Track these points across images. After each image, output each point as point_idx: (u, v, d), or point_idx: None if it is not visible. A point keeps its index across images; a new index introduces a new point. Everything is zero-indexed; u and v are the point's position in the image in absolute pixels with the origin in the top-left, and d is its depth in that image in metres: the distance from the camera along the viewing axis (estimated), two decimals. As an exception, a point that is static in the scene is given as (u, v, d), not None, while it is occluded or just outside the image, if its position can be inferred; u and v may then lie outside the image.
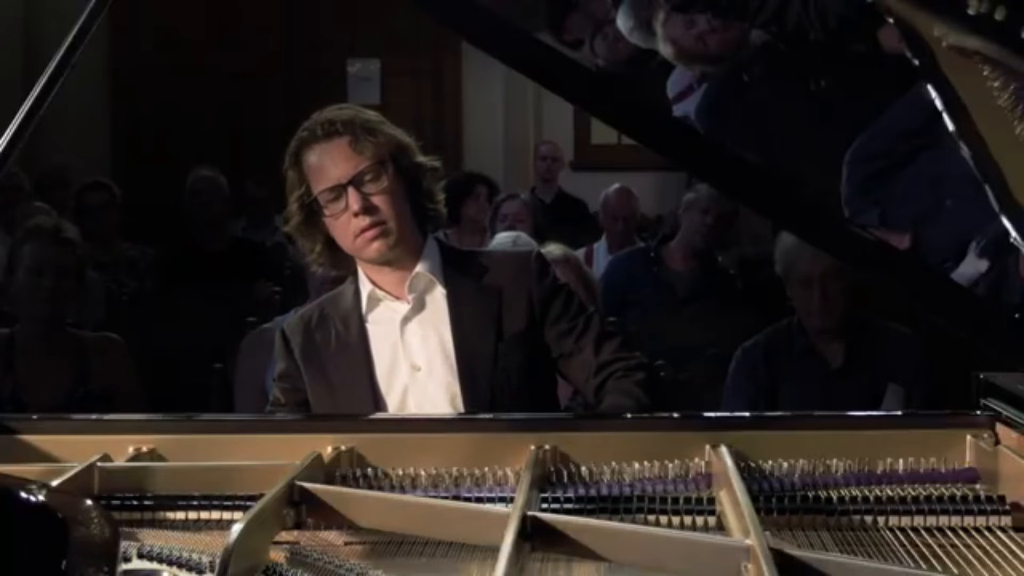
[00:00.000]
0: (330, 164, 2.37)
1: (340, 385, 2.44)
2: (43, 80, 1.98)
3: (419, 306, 2.45)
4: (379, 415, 2.32)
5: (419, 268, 2.44)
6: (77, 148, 7.52)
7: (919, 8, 1.76)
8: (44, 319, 3.60)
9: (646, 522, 1.77)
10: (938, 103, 1.78)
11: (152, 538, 1.69)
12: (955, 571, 1.62)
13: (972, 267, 3.23)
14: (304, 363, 2.46)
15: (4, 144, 1.95)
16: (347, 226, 2.38)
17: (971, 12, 1.70)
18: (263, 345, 3.58)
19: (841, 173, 3.69)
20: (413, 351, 2.43)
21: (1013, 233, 1.77)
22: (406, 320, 2.44)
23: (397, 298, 2.46)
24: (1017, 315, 1.86)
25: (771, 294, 4.57)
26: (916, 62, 1.78)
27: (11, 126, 1.96)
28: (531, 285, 2.46)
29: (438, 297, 2.45)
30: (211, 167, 6.28)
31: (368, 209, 2.35)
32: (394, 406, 2.41)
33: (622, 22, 4.78)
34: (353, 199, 2.35)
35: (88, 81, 7.47)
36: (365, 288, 2.47)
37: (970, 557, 1.66)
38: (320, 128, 2.38)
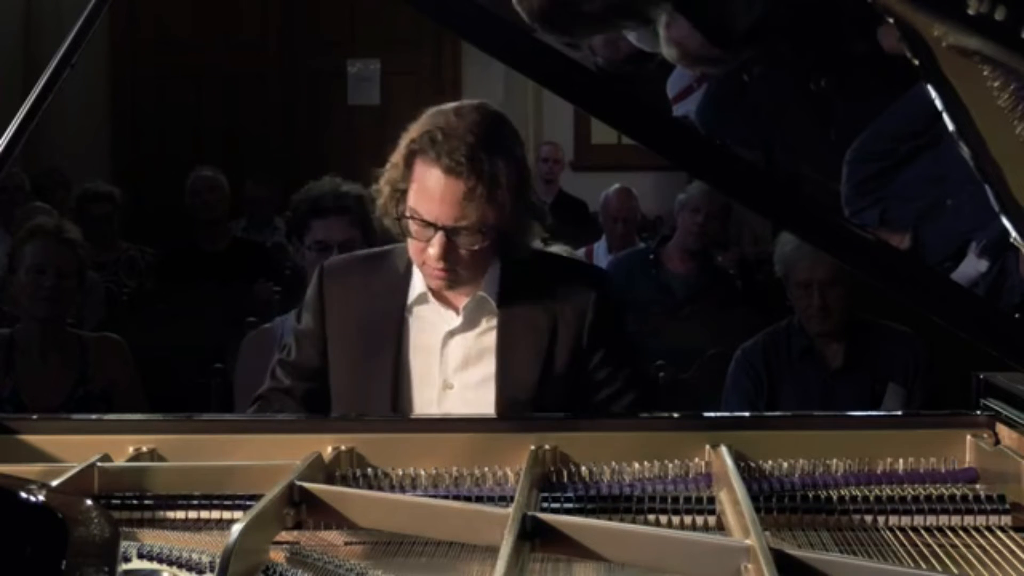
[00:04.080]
0: (436, 198, 2.15)
1: (363, 365, 2.30)
2: (43, 80, 1.98)
3: (469, 323, 2.30)
4: (379, 416, 2.30)
5: (480, 292, 2.29)
6: (77, 148, 7.53)
7: (919, 8, 1.76)
8: (45, 319, 3.60)
9: (646, 522, 1.78)
10: (938, 103, 1.77)
11: (152, 538, 1.69)
12: (955, 571, 1.62)
13: (972, 267, 3.23)
14: (333, 313, 2.32)
15: (4, 144, 1.95)
16: (421, 252, 2.21)
17: (971, 12, 1.70)
18: (263, 345, 3.57)
19: (841, 173, 3.68)
20: (450, 368, 2.30)
21: (1013, 233, 1.76)
22: (451, 334, 2.31)
23: (447, 306, 2.32)
24: (1017, 315, 1.86)
25: (771, 294, 4.58)
26: (916, 62, 1.78)
27: (11, 126, 1.96)
28: (585, 321, 2.30)
29: (490, 318, 2.30)
30: (211, 167, 6.29)
31: (448, 258, 2.18)
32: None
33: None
34: (438, 244, 2.17)
35: (88, 81, 7.48)
36: (417, 282, 2.32)
37: (970, 557, 1.66)
38: (448, 157, 2.14)
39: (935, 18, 1.74)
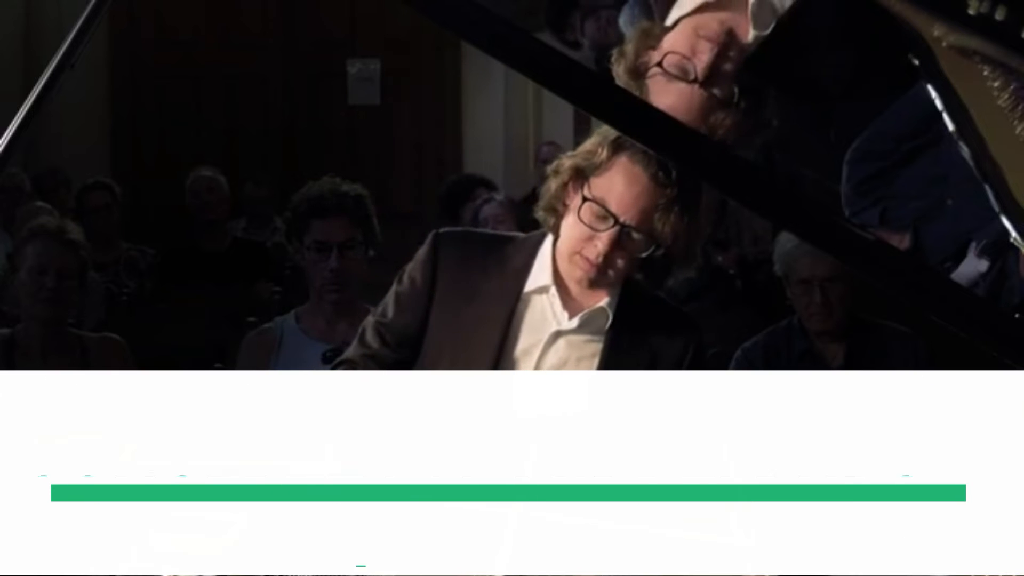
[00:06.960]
0: (633, 195, 2.19)
1: (464, 343, 2.26)
2: (43, 80, 1.98)
3: (579, 330, 2.30)
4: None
5: (603, 304, 2.30)
6: (77, 148, 7.53)
7: (919, 8, 1.76)
8: (46, 319, 3.59)
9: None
10: (938, 103, 1.78)
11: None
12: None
13: (972, 267, 3.23)
14: (444, 278, 2.30)
15: (4, 144, 1.95)
16: (583, 241, 2.22)
17: (971, 12, 1.70)
18: (263, 345, 3.57)
19: (841, 173, 3.69)
20: (545, 366, 2.29)
21: (1013, 233, 1.77)
22: (559, 334, 2.30)
23: (566, 305, 2.30)
24: (1017, 315, 1.86)
25: (771, 294, 4.57)
26: (916, 62, 1.78)
27: (11, 126, 1.96)
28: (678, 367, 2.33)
29: (598, 334, 2.30)
30: (211, 167, 6.29)
31: (609, 259, 2.21)
32: None
33: (625, 24, 4.76)
34: (606, 241, 2.20)
35: (88, 81, 7.48)
36: (540, 272, 2.31)
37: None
38: (659, 166, 2.18)
39: (935, 18, 1.74)
